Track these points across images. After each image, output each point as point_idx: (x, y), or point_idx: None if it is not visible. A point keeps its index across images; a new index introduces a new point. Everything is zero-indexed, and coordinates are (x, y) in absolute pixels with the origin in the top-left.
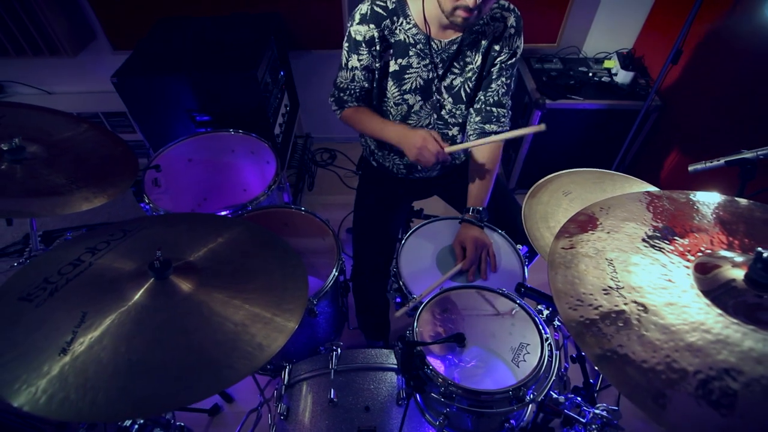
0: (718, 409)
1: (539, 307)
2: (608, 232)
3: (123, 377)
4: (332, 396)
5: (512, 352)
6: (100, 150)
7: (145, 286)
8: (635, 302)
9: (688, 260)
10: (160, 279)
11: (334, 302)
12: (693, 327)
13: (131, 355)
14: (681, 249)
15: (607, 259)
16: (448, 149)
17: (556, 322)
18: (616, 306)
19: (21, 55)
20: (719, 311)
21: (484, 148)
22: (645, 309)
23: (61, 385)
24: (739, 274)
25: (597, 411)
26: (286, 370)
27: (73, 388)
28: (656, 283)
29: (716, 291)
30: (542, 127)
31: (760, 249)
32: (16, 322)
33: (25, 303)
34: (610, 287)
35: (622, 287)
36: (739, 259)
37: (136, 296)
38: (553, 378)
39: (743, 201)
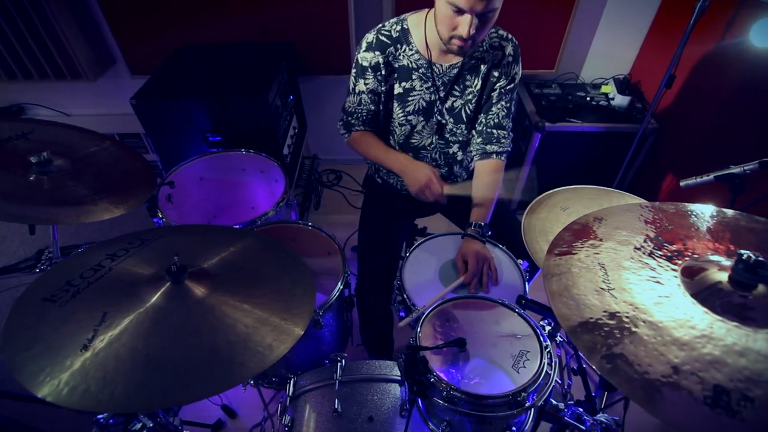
0: (705, 400)
1: (542, 322)
2: (601, 240)
3: (140, 372)
4: (336, 407)
5: (512, 359)
6: (121, 165)
7: (162, 290)
8: (626, 302)
9: (676, 264)
10: (176, 283)
11: (339, 315)
12: (680, 324)
13: (148, 351)
14: (670, 254)
15: (599, 263)
16: (447, 191)
17: (559, 338)
18: (608, 306)
19: (44, 78)
20: (704, 309)
21: (486, 166)
22: (635, 308)
23: (82, 378)
24: (724, 276)
25: (597, 418)
26: (291, 382)
27: (94, 381)
28: (646, 285)
29: (704, 293)
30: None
31: (741, 251)
32: (41, 320)
33: (48, 303)
34: (602, 289)
35: (614, 288)
36: (725, 262)
37: (153, 299)
38: (553, 383)
39: (729, 212)
